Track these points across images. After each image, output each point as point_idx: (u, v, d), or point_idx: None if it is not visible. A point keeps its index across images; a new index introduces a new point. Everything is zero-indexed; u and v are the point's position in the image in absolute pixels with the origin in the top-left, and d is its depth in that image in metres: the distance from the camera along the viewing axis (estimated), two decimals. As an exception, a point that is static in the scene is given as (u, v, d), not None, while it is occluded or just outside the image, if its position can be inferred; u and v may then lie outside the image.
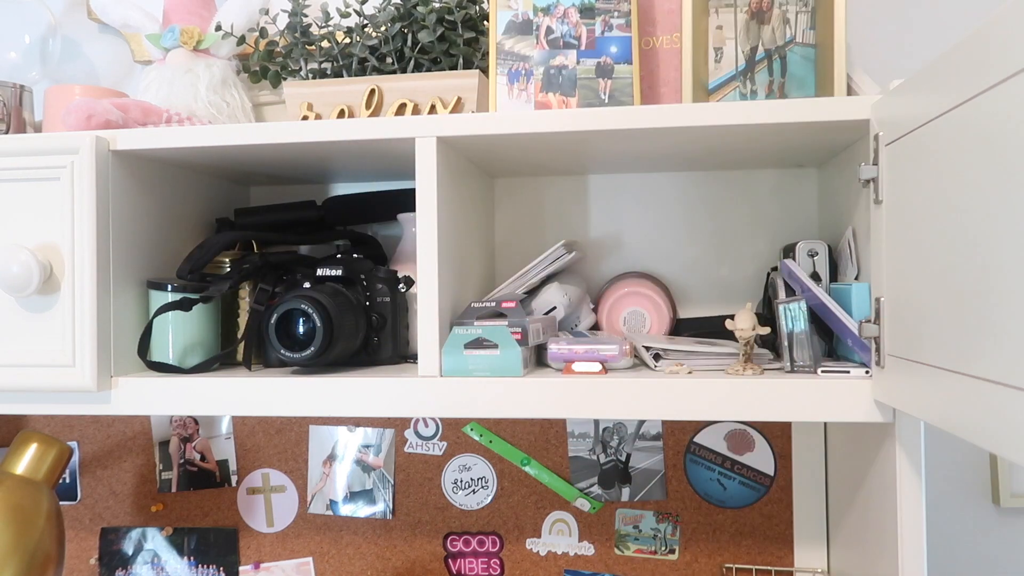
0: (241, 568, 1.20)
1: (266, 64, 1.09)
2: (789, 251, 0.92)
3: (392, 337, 0.93)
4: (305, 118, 0.97)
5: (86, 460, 1.24)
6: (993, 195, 0.51)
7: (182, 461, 1.22)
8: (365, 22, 1.01)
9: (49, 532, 1.01)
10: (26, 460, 1.04)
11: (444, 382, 0.82)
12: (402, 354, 0.96)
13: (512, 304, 0.86)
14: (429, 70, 1.00)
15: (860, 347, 0.77)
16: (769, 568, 1.08)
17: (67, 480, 1.23)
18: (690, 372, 0.82)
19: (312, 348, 0.83)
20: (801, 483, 1.07)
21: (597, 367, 0.82)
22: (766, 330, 0.81)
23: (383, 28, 0.99)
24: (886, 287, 0.72)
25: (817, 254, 0.88)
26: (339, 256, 0.94)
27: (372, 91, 0.95)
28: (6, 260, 0.83)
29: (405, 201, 1.06)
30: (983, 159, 0.52)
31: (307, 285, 0.90)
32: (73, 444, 1.23)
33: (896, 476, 0.76)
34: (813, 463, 1.07)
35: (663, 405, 0.79)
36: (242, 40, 1.09)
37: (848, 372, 0.77)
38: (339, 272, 0.90)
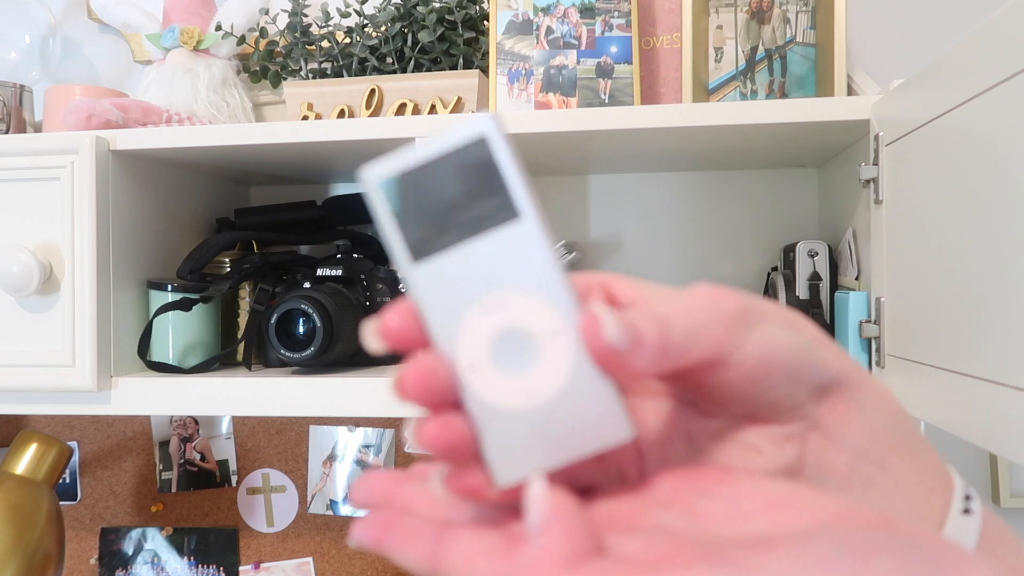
0: (241, 568, 1.20)
1: (266, 64, 1.09)
2: (789, 251, 0.92)
3: (392, 337, 0.93)
4: (305, 118, 0.97)
5: (86, 460, 1.24)
6: (993, 195, 0.51)
7: (182, 461, 1.21)
8: (365, 22, 1.01)
9: (49, 532, 1.01)
10: (26, 460, 1.04)
11: (444, 382, 0.82)
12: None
13: None
14: (429, 70, 1.00)
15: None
16: (769, 568, 1.08)
17: (67, 480, 1.23)
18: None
19: (312, 348, 0.83)
20: (801, 483, 1.07)
21: None
22: None
23: (383, 28, 0.99)
24: (886, 287, 0.72)
25: (817, 254, 0.88)
26: (339, 256, 0.94)
27: (372, 91, 0.95)
28: (6, 260, 0.83)
29: (405, 201, 1.06)
30: (983, 159, 0.52)
31: (307, 285, 0.90)
32: (73, 444, 1.23)
33: (896, 476, 0.75)
34: (813, 463, 1.07)
35: (663, 405, 0.78)
36: (242, 40, 1.09)
37: None
38: (339, 272, 0.90)
